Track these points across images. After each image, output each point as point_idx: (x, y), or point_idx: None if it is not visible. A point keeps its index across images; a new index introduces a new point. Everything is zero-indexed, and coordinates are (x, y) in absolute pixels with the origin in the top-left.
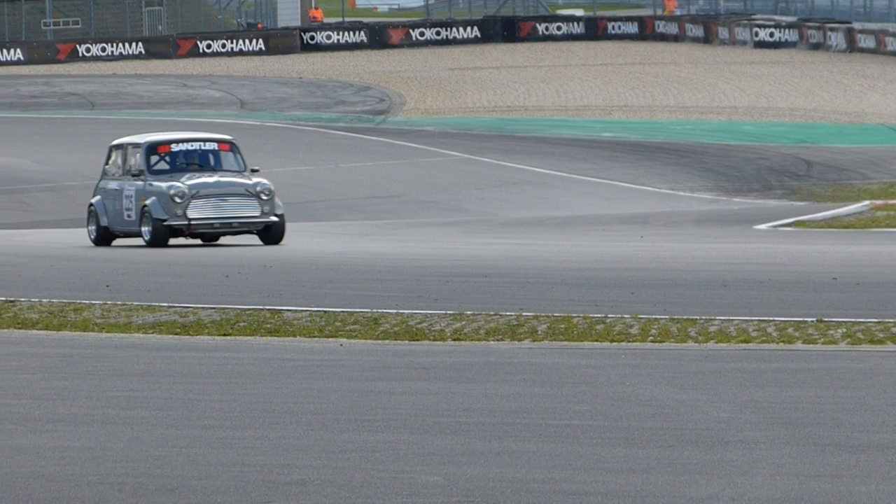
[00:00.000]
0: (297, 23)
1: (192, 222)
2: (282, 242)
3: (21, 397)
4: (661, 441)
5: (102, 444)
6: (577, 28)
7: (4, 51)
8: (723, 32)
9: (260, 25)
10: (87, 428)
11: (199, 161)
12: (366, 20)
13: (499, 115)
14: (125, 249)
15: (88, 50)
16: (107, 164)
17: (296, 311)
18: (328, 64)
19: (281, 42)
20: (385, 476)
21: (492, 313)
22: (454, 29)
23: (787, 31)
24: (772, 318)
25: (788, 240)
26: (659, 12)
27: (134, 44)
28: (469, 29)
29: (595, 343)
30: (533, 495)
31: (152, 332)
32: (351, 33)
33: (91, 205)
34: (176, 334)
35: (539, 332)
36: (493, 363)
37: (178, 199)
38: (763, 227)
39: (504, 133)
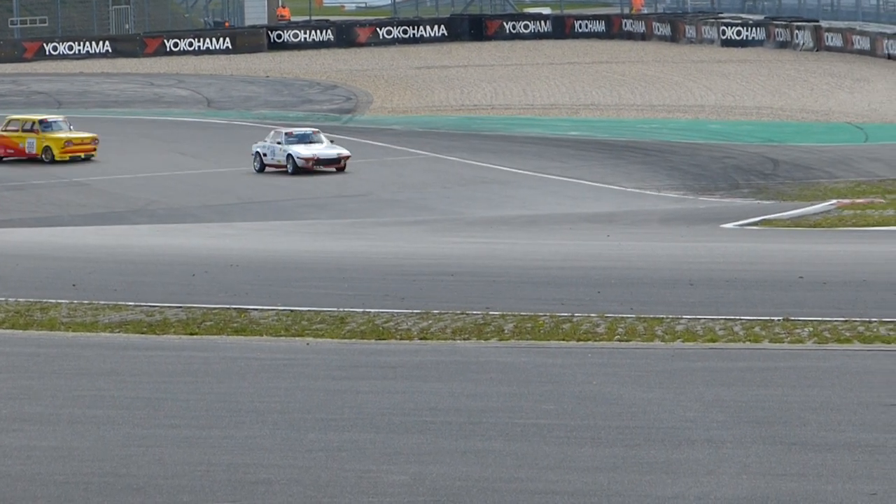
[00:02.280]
0: (265, 21)
1: None
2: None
3: None
4: (627, 440)
5: (69, 443)
6: (545, 26)
7: None
8: (690, 31)
9: (227, 24)
10: (53, 427)
11: None
12: (333, 19)
13: (466, 114)
14: (93, 247)
15: (55, 48)
16: None
17: (262, 310)
18: (295, 62)
19: (248, 40)
20: (351, 475)
21: (458, 312)
22: (421, 27)
23: (754, 29)
24: (738, 317)
25: (755, 239)
26: (626, 11)
27: (101, 42)
28: (436, 27)
29: (562, 342)
30: (499, 494)
31: (119, 331)
32: (318, 32)
33: None
34: (142, 333)
35: (506, 331)
36: (460, 362)
37: None
38: (730, 225)
39: (471, 132)
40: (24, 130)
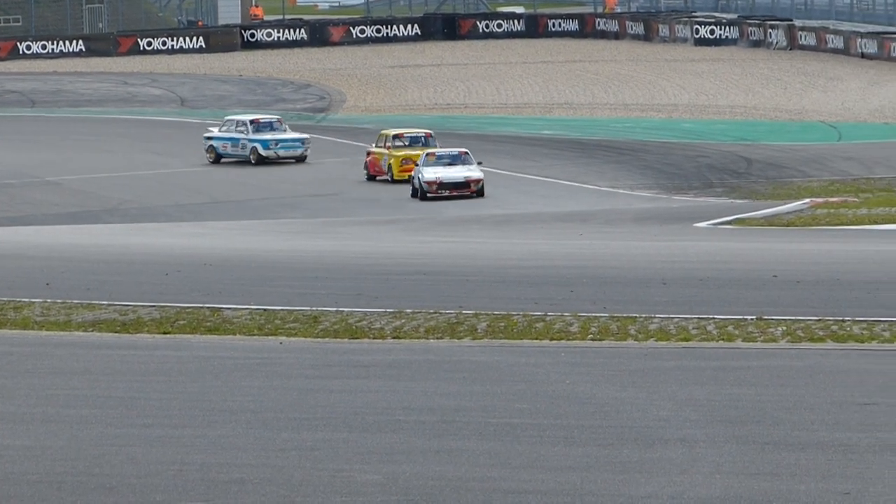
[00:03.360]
0: (238, 20)
1: None
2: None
3: None
4: (600, 439)
5: (42, 442)
6: (518, 25)
7: None
8: (663, 30)
9: (200, 23)
10: (26, 426)
11: None
12: (306, 18)
13: (439, 113)
14: (67, 246)
15: (29, 48)
16: None
17: (235, 309)
18: (268, 61)
19: (221, 40)
20: (324, 475)
21: (431, 311)
22: (395, 26)
23: (727, 28)
24: (712, 316)
25: (728, 238)
26: (599, 10)
27: (74, 41)
28: (409, 26)
29: (535, 341)
30: (472, 494)
31: (92, 330)
32: (291, 31)
33: None
34: (116, 332)
35: (479, 330)
36: (433, 361)
37: None
38: (703, 224)
39: (444, 130)
40: (384, 147)
